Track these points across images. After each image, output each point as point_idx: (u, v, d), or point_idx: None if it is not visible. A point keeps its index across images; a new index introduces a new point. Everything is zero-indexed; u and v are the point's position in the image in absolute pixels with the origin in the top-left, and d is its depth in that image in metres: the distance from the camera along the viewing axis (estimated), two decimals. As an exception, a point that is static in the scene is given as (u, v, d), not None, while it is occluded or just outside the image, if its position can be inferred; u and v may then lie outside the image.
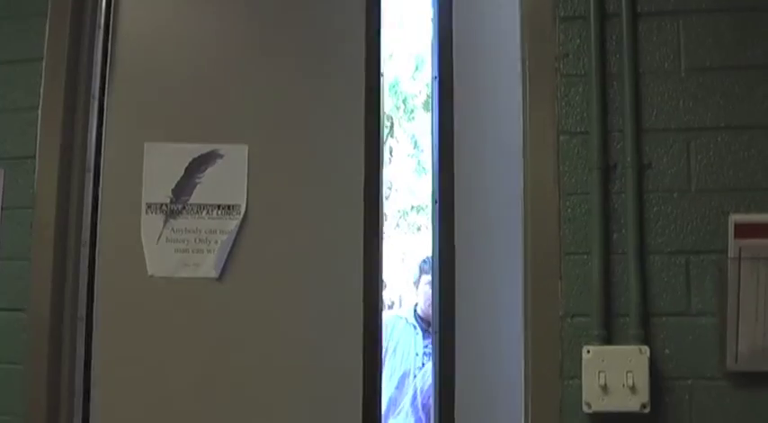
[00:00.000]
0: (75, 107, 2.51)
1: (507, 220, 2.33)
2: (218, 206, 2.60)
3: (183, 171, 2.60)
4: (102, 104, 2.60)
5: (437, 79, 2.83)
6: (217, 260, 2.59)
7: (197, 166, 2.61)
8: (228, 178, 2.61)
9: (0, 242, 2.44)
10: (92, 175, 2.52)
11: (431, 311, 4.79)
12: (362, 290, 2.59)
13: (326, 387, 2.56)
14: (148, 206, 2.59)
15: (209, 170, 2.61)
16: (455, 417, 2.64)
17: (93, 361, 2.51)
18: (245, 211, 2.60)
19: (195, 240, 2.58)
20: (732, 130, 2.08)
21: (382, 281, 2.68)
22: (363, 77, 2.69)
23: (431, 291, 4.69)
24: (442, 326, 2.71)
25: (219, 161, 2.61)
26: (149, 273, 2.57)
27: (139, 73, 2.64)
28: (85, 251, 2.51)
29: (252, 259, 2.60)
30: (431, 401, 2.87)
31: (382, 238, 2.69)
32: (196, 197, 2.60)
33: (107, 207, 2.57)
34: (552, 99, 2.18)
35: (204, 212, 2.60)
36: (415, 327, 5.07)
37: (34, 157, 2.45)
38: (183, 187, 2.60)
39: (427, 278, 5.07)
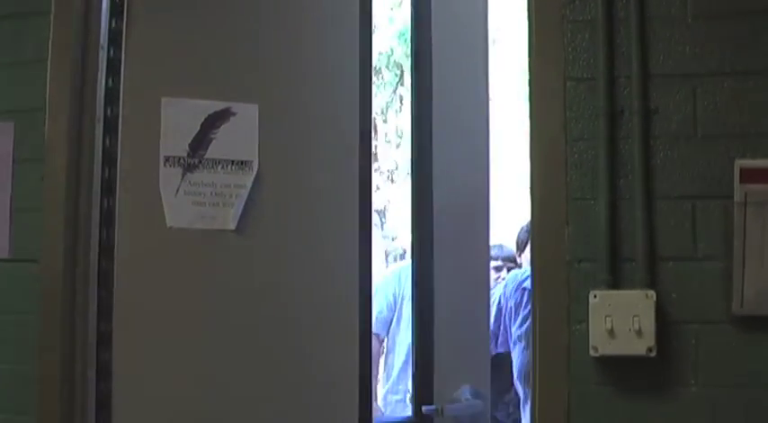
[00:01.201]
0: (84, 58, 2.51)
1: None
2: (233, 162, 2.64)
3: (198, 126, 2.62)
4: (114, 56, 2.59)
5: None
6: (234, 213, 2.63)
7: (212, 122, 2.63)
8: (242, 135, 2.65)
9: (13, 194, 2.47)
10: (102, 125, 2.52)
11: None
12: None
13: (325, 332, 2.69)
14: (166, 159, 2.60)
15: (224, 127, 2.64)
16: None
17: (113, 312, 2.52)
18: (258, 167, 2.65)
19: (211, 194, 2.62)
20: (738, 76, 2.08)
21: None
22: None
23: None
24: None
25: (233, 118, 2.64)
26: (168, 224, 2.59)
27: (156, 27, 2.63)
28: (97, 201, 2.52)
29: (265, 213, 2.65)
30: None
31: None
32: (212, 152, 2.63)
33: (125, 159, 2.56)
34: (559, 45, 2.18)
35: (219, 167, 2.63)
36: None
37: (44, 108, 2.46)
38: (200, 142, 2.62)
39: None
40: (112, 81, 2.57)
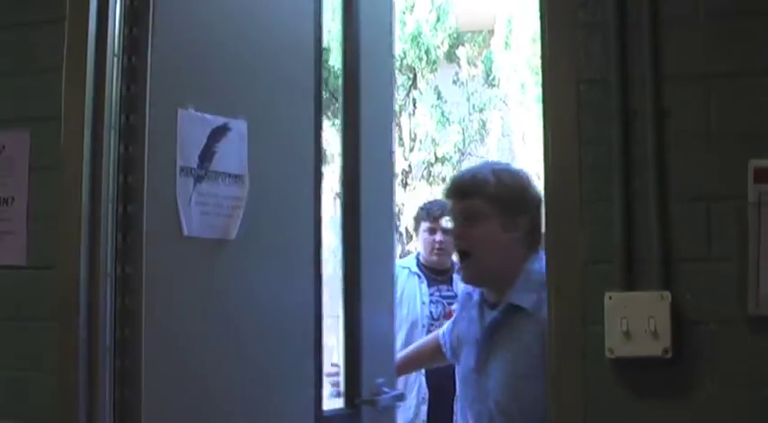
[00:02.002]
0: (99, 66, 2.51)
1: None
2: (230, 175, 2.76)
3: (205, 139, 2.70)
4: (128, 64, 2.59)
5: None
6: (234, 224, 2.75)
7: (214, 136, 2.72)
8: (236, 150, 2.78)
9: (29, 202, 2.49)
10: (117, 133, 2.53)
11: (433, 259, 5.15)
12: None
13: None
14: (181, 169, 2.64)
15: (223, 141, 2.74)
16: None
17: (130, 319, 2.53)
18: (249, 181, 2.79)
19: (215, 204, 2.71)
20: (752, 75, 2.07)
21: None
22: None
23: (428, 236, 5.15)
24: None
25: (229, 134, 2.76)
26: (184, 234, 2.63)
27: (169, 37, 2.65)
28: (114, 208, 2.52)
29: (255, 224, 2.80)
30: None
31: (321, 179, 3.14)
32: (215, 165, 2.72)
33: (142, 167, 2.57)
34: (571, 47, 2.18)
35: (220, 179, 2.73)
36: (419, 276, 5.19)
37: (59, 117, 2.48)
38: (206, 155, 2.70)
39: (425, 225, 5.26)
40: (127, 89, 2.58)
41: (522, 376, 2.65)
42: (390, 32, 3.63)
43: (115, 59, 2.56)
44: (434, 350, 3.33)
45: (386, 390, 3.16)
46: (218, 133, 2.74)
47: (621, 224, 2.09)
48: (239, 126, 2.79)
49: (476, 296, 2.91)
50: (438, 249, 5.19)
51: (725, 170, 2.06)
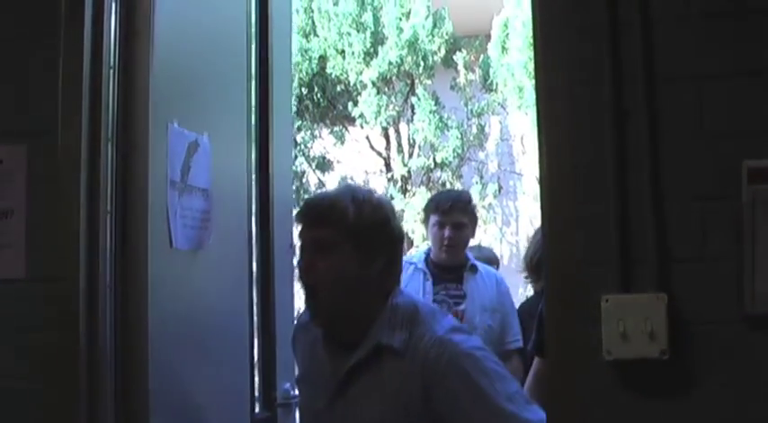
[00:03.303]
0: (94, 80, 2.53)
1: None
2: (199, 189, 2.85)
3: (184, 154, 2.77)
4: (123, 78, 2.62)
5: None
6: (207, 236, 2.88)
7: (190, 151, 2.79)
8: (203, 165, 2.87)
9: (28, 215, 2.50)
10: (113, 144, 2.55)
11: (442, 256, 4.85)
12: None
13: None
14: (171, 183, 2.69)
15: (195, 156, 2.81)
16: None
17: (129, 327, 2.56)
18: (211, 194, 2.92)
19: (191, 217, 2.78)
20: (744, 75, 2.08)
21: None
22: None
23: (436, 231, 4.86)
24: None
25: (199, 149, 2.83)
26: (173, 245, 2.69)
27: (165, 53, 2.69)
28: (111, 220, 2.53)
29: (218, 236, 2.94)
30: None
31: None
32: (190, 179, 2.80)
33: (139, 179, 2.60)
34: (564, 50, 2.19)
35: (194, 193, 2.81)
36: (424, 273, 4.86)
37: (56, 130, 2.49)
38: (185, 169, 2.77)
39: (434, 218, 4.90)
40: (123, 102, 2.60)
41: (396, 415, 2.39)
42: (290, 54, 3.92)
43: (111, 72, 2.57)
44: None
45: (294, 393, 3.26)
46: (192, 148, 2.79)
47: (616, 225, 2.10)
48: (205, 142, 2.87)
49: (316, 331, 2.58)
50: (447, 246, 4.78)
51: (719, 170, 2.07)
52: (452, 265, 4.84)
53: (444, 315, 2.60)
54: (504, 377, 2.41)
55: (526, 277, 4.77)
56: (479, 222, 5.77)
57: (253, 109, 3.34)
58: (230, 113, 3.15)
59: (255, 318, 3.24)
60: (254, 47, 3.39)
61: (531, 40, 2.29)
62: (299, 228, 2.53)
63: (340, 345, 2.50)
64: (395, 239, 2.54)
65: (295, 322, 2.95)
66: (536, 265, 4.39)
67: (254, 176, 3.36)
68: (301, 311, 2.71)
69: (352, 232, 2.43)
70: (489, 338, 4.45)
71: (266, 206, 3.37)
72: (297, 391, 3.17)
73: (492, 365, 2.41)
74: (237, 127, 3.20)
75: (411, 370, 2.37)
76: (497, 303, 4.77)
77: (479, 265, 4.91)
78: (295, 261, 2.54)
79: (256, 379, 3.24)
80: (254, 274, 3.27)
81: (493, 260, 5.77)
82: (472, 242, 5.16)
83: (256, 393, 3.28)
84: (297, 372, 2.82)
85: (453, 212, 4.78)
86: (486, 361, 2.41)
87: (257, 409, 3.22)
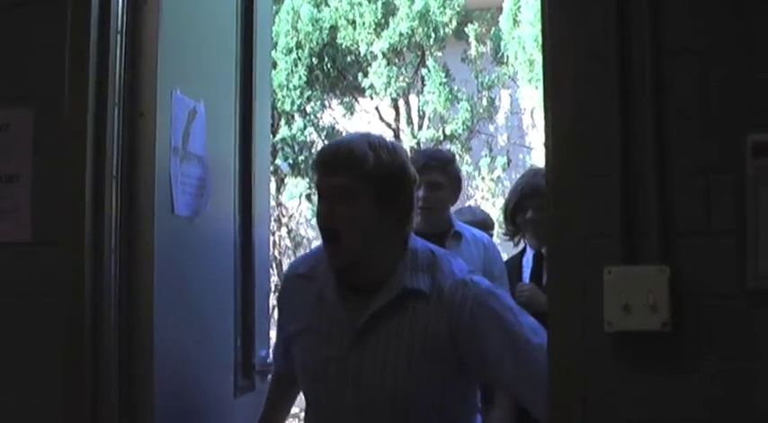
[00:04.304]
0: (101, 44, 2.53)
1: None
2: (196, 156, 2.86)
3: (185, 121, 2.79)
4: (130, 43, 2.62)
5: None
6: (204, 202, 2.91)
7: (190, 118, 2.82)
8: (199, 133, 2.89)
9: (33, 180, 2.51)
10: (119, 109, 2.55)
11: (417, 220, 4.00)
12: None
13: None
14: (174, 150, 2.71)
15: (193, 123, 2.83)
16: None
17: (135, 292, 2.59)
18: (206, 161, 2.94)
19: (189, 184, 2.80)
20: (750, 50, 2.07)
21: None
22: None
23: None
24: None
25: (196, 116, 2.85)
26: (174, 211, 2.72)
27: (170, 20, 2.71)
28: (116, 186, 2.55)
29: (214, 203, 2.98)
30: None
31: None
32: (189, 146, 2.82)
33: (144, 145, 2.62)
34: (571, 24, 2.18)
35: (192, 160, 2.83)
36: None
37: (62, 94, 2.49)
38: (185, 136, 2.79)
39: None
40: (130, 67, 2.61)
41: (423, 358, 2.41)
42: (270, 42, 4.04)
43: (118, 37, 2.57)
44: (287, 386, 2.85)
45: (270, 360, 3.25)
46: (191, 115, 2.81)
47: (620, 198, 2.10)
48: (201, 110, 2.88)
49: (322, 281, 2.55)
50: (420, 207, 3.87)
51: (724, 144, 2.07)
52: (432, 232, 3.96)
53: (456, 258, 2.61)
54: (523, 311, 2.50)
55: (504, 234, 4.53)
56: (487, 194, 5.48)
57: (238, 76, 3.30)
58: (220, 81, 3.16)
59: (237, 286, 3.21)
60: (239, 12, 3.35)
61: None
62: (317, 175, 2.53)
63: (356, 291, 2.51)
64: (411, 183, 2.56)
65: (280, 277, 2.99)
66: (512, 211, 4.29)
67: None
68: (293, 263, 2.68)
69: (371, 178, 2.44)
70: None
71: (248, 176, 3.30)
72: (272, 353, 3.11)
73: (511, 301, 2.54)
74: (226, 94, 3.20)
75: (437, 312, 2.42)
76: (484, 273, 3.83)
77: (466, 230, 4.32)
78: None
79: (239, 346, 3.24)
80: (236, 243, 3.23)
81: (488, 224, 5.35)
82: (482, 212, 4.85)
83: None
84: (289, 326, 2.67)
85: (427, 171, 4.09)
86: (505, 298, 2.54)
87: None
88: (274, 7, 8.72)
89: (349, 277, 2.52)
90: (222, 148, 3.14)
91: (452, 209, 4.55)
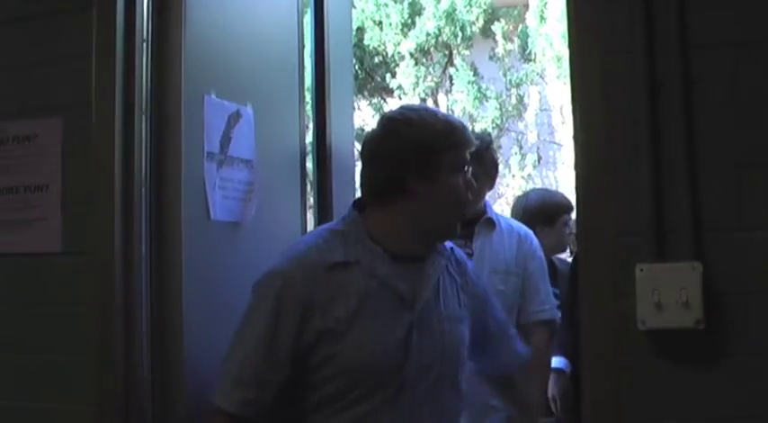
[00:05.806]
0: (128, 53, 2.54)
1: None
2: (242, 160, 2.82)
3: (224, 125, 2.76)
4: (156, 51, 2.62)
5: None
6: (249, 207, 2.85)
7: (230, 122, 2.78)
8: (246, 135, 2.85)
9: (63, 189, 2.52)
10: (147, 117, 2.55)
11: None
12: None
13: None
14: (208, 155, 2.68)
15: (237, 127, 2.80)
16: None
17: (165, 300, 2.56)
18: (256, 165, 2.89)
19: (232, 189, 2.77)
20: (781, 41, 2.05)
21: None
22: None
23: None
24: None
25: (241, 120, 2.82)
26: (211, 217, 2.67)
27: (199, 26, 2.69)
28: (146, 193, 2.55)
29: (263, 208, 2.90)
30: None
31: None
32: (231, 150, 2.78)
33: (173, 152, 2.60)
34: (597, 19, 2.16)
35: (235, 164, 2.79)
36: None
37: (90, 103, 2.50)
38: (225, 140, 2.76)
39: None
40: (157, 75, 2.61)
41: (464, 310, 2.49)
42: (350, 41, 3.80)
43: (144, 45, 2.58)
44: None
45: None
46: (233, 119, 2.80)
47: (651, 195, 2.08)
48: (248, 113, 2.86)
49: (363, 264, 2.36)
50: None
51: (754, 139, 2.04)
52: (465, 218, 3.71)
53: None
54: None
55: None
56: (518, 191, 5.25)
57: (309, 76, 3.30)
58: (278, 83, 3.10)
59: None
60: (309, 12, 3.33)
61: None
62: (465, 150, 2.51)
63: (412, 261, 2.41)
64: None
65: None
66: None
67: (309, 148, 3.32)
68: (306, 258, 2.46)
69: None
70: (501, 304, 3.49)
71: (324, 178, 3.31)
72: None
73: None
74: (287, 96, 3.15)
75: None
76: (516, 266, 3.70)
77: (501, 219, 3.91)
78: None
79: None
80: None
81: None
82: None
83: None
84: (325, 322, 2.30)
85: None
86: None
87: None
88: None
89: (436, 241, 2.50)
90: (284, 151, 3.11)
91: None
